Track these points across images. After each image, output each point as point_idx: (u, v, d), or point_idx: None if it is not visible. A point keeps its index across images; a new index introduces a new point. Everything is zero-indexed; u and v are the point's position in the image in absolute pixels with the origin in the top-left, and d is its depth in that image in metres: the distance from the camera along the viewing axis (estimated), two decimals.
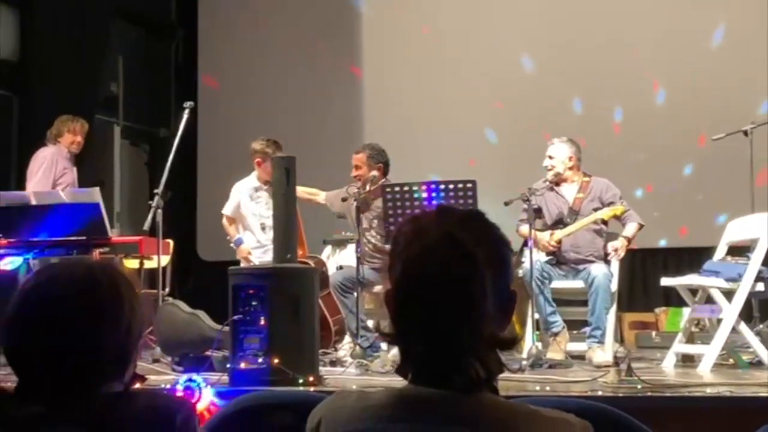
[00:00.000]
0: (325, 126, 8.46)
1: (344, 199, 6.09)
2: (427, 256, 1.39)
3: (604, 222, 5.84)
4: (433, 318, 1.37)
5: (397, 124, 8.22)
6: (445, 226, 1.41)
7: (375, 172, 6.03)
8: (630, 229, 5.82)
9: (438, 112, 8.30)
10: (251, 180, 6.44)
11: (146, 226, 5.89)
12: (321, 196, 6.44)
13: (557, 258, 5.86)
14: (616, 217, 5.79)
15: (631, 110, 7.97)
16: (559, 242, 5.82)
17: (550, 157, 5.94)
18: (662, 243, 7.87)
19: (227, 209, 6.48)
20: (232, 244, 6.43)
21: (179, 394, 3.82)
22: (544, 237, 5.82)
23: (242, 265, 6.17)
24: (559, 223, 5.90)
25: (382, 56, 8.67)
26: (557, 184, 5.96)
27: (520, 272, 5.62)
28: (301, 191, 5.87)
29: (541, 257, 5.74)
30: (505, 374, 1.49)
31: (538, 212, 5.93)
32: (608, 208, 5.73)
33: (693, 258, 7.18)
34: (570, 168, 5.92)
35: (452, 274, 1.37)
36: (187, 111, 6.11)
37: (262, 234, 6.26)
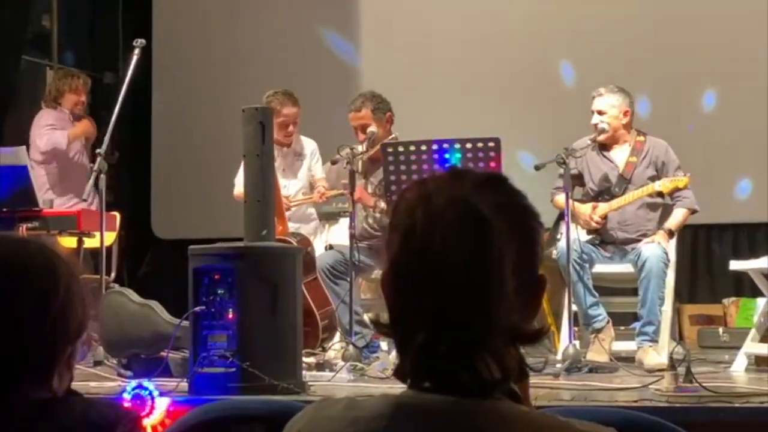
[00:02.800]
0: (313, 73, 8.42)
1: (334, 162, 6.08)
2: (433, 226, 1.38)
3: (661, 194, 5.83)
4: (438, 301, 1.37)
5: (401, 72, 8.20)
6: (457, 191, 1.41)
7: (373, 128, 6.02)
8: (677, 216, 5.80)
9: (452, 55, 8.26)
10: None
11: (86, 194, 5.88)
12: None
13: (601, 237, 5.85)
14: (671, 193, 5.76)
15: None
16: (605, 217, 5.81)
17: (599, 113, 5.89)
18: (733, 217, 7.87)
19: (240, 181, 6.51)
20: None
21: (126, 404, 3.84)
22: (586, 210, 5.81)
23: None
24: (604, 192, 5.89)
25: None
26: (606, 146, 5.93)
27: (555, 253, 5.63)
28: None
29: (581, 235, 5.74)
30: (534, 379, 1.48)
31: (578, 179, 5.93)
32: (668, 179, 5.70)
33: None
34: (624, 125, 5.90)
35: (463, 247, 1.37)
36: (137, 51, 6.09)
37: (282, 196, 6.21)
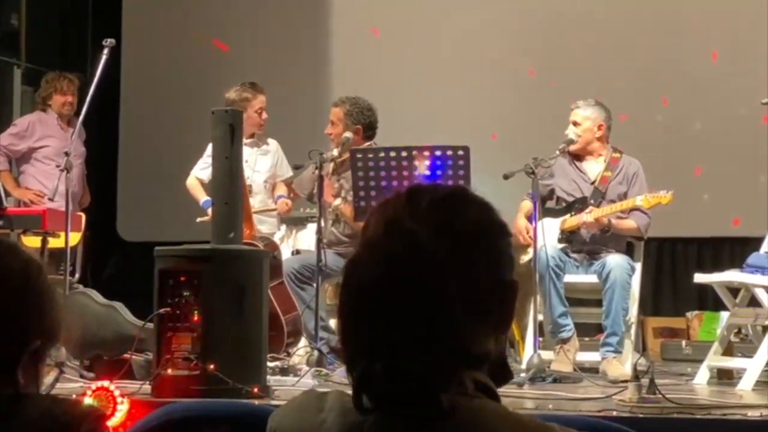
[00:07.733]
0: (287, 75, 8.40)
1: (297, 167, 6.07)
2: (368, 254, 1.37)
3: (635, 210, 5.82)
4: (378, 333, 1.34)
5: (374, 76, 8.19)
6: (404, 218, 1.37)
7: (348, 134, 5.99)
8: (625, 221, 5.80)
9: (431, 59, 8.27)
10: None
11: (52, 194, 5.83)
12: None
13: (571, 246, 5.84)
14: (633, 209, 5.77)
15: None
16: (572, 232, 5.82)
17: (575, 124, 5.92)
18: (697, 230, 7.91)
19: (201, 171, 6.44)
20: (201, 220, 6.32)
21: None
22: (523, 226, 5.80)
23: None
24: (578, 202, 5.88)
25: None
26: (578, 157, 5.94)
27: (524, 258, 5.63)
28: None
29: (549, 243, 5.68)
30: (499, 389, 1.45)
31: (547, 192, 5.95)
32: (650, 195, 5.65)
33: (735, 250, 7.24)
34: (599, 138, 5.92)
35: (398, 276, 1.34)
36: (106, 51, 6.04)
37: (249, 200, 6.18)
